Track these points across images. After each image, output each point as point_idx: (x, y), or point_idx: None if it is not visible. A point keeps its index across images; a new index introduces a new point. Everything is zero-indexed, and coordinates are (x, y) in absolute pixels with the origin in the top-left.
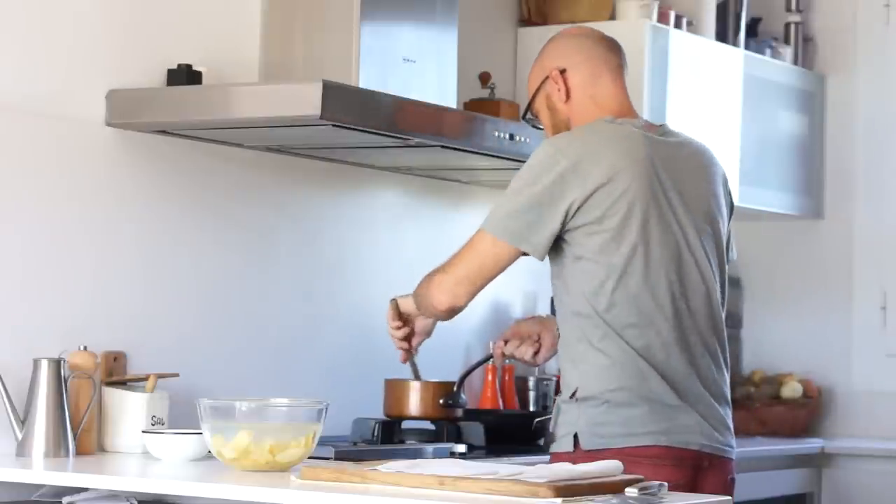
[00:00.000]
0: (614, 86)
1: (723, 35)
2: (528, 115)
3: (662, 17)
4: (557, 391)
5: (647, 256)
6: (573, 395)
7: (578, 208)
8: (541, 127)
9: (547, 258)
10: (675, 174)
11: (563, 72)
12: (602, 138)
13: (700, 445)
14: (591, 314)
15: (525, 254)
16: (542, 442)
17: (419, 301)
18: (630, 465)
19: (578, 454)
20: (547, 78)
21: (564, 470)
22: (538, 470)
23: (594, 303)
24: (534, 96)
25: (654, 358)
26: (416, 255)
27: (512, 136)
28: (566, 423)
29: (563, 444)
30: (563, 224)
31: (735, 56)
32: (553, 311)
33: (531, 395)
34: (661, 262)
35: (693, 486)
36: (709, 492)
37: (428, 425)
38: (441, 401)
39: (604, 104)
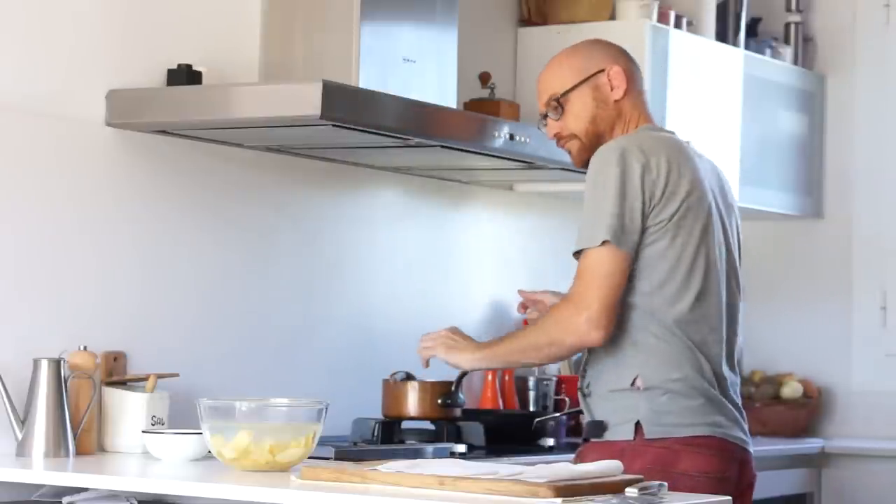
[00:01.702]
0: (645, 99)
1: (723, 35)
2: (553, 107)
3: (662, 17)
4: (571, 390)
5: (708, 257)
6: (633, 383)
7: (654, 207)
8: (544, 125)
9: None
10: (714, 185)
11: (624, 70)
12: (658, 144)
13: (741, 440)
14: (656, 308)
15: None
16: (549, 442)
17: (551, 350)
18: (688, 455)
19: (639, 442)
20: (600, 72)
21: (564, 470)
22: (538, 470)
23: (659, 297)
24: (574, 87)
25: (708, 353)
26: (416, 255)
27: (512, 136)
28: (622, 410)
29: (619, 432)
30: (644, 223)
31: (735, 56)
32: None
33: (531, 394)
34: (718, 263)
35: (738, 479)
36: (746, 485)
37: (428, 425)
38: (439, 401)
39: (643, 112)
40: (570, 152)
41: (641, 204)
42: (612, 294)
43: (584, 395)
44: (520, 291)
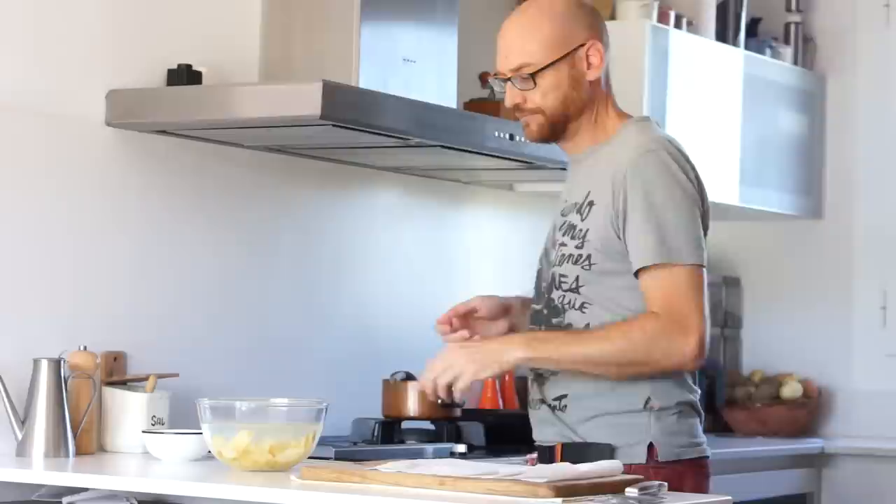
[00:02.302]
0: (610, 78)
1: (723, 35)
2: (524, 78)
3: (662, 17)
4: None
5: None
6: (647, 404)
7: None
8: (495, 80)
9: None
10: None
11: (603, 46)
12: (676, 143)
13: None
14: None
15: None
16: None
17: (639, 370)
18: (692, 476)
19: (650, 465)
20: (580, 46)
21: (564, 470)
22: (538, 470)
23: None
24: (553, 63)
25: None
26: (416, 255)
27: (512, 136)
28: (629, 432)
29: (628, 454)
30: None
31: (735, 56)
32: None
33: None
34: None
35: None
36: None
37: (428, 425)
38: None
39: (611, 97)
40: (527, 125)
41: (700, 214)
42: (703, 309)
43: (552, 409)
44: (438, 323)
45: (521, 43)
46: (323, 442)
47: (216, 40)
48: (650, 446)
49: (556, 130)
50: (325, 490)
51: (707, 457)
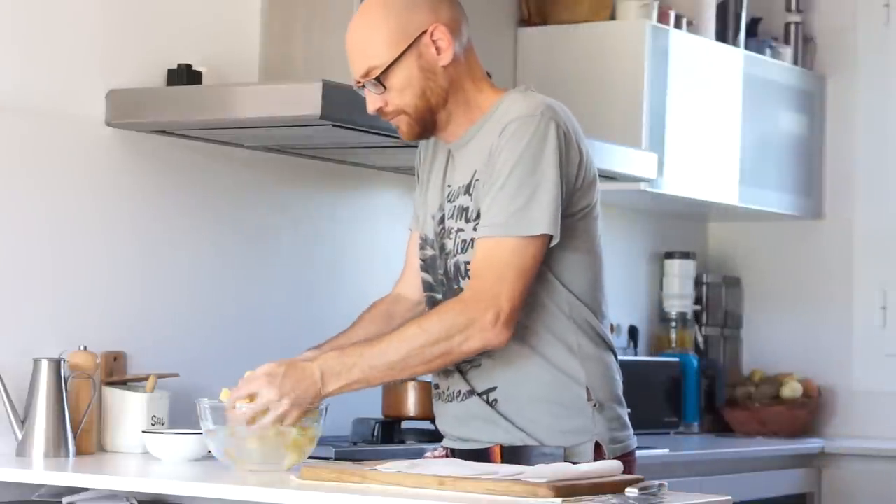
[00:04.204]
0: (473, 50)
1: (723, 35)
2: (373, 83)
3: (662, 17)
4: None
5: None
6: (589, 397)
7: (577, 191)
8: (358, 89)
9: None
10: None
11: (447, 26)
12: (572, 117)
13: None
14: (589, 310)
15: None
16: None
17: (444, 360)
18: (632, 469)
19: None
20: (422, 34)
21: (564, 470)
22: (538, 470)
23: (591, 298)
24: (395, 61)
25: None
26: None
27: None
28: (576, 431)
29: (577, 453)
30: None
31: (735, 56)
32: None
33: None
34: None
35: None
36: None
37: (428, 425)
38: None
39: (477, 72)
40: (397, 127)
41: (567, 188)
42: (527, 292)
43: (488, 404)
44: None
45: (362, 47)
46: (323, 442)
47: (216, 40)
48: (597, 445)
49: (426, 125)
50: (325, 490)
51: (635, 446)
